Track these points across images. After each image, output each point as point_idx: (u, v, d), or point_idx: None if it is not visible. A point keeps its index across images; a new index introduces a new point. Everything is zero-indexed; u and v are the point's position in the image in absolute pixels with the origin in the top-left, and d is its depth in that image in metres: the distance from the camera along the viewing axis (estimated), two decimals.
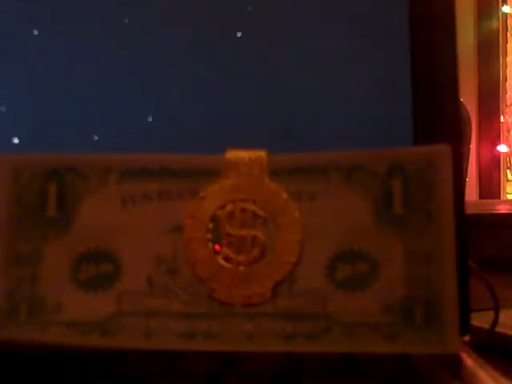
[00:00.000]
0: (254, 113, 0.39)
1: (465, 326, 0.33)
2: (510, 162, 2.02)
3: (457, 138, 0.36)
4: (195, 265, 0.29)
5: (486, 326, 0.39)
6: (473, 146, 1.90)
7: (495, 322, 0.39)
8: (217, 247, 0.30)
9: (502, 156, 2.03)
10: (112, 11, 0.39)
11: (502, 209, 0.96)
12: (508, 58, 2.01)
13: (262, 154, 0.30)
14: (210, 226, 0.30)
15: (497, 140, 2.02)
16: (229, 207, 0.30)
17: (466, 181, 0.54)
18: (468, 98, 1.87)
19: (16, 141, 0.38)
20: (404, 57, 0.37)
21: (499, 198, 2.00)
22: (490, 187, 2.02)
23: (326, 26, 0.39)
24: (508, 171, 2.03)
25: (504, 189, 2.02)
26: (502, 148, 2.02)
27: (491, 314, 0.39)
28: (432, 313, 0.28)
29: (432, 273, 0.28)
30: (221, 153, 0.30)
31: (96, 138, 0.38)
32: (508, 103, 2.01)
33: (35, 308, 0.29)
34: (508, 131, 2.02)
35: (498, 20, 2.02)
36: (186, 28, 0.39)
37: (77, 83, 0.39)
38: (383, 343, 0.28)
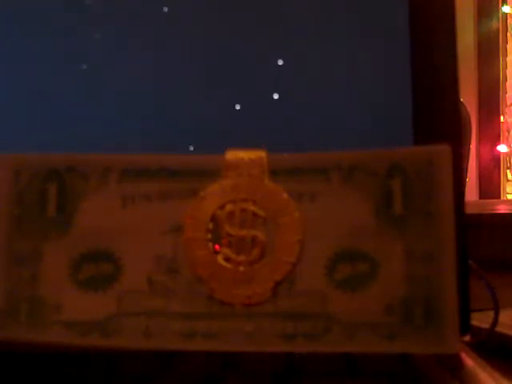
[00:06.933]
0: (254, 113, 0.39)
1: (465, 326, 0.33)
2: (510, 162, 2.02)
3: (457, 138, 0.36)
4: (195, 265, 0.29)
5: (486, 325, 0.39)
6: (473, 146, 1.90)
7: (495, 322, 0.39)
8: (217, 247, 0.30)
9: (501, 156, 2.03)
10: (114, 10, 0.39)
11: (502, 209, 0.96)
12: (508, 58, 2.01)
13: (262, 154, 0.30)
14: (210, 225, 0.30)
15: (497, 140, 2.02)
16: (229, 207, 0.30)
17: (465, 181, 0.53)
18: (468, 98, 1.87)
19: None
20: (404, 57, 0.37)
21: (499, 197, 2.00)
22: (489, 187, 2.02)
23: (326, 25, 0.39)
24: (508, 171, 2.03)
25: (504, 189, 2.02)
26: (502, 148, 2.02)
27: (491, 314, 0.39)
28: (432, 313, 0.28)
29: (432, 273, 0.28)
30: (221, 153, 0.30)
31: (96, 138, 0.38)
32: (508, 103, 2.01)
33: (35, 308, 0.29)
34: (508, 131, 2.02)
35: (498, 20, 2.02)
36: (185, 29, 0.39)
37: (77, 83, 0.39)
38: (383, 343, 0.28)
